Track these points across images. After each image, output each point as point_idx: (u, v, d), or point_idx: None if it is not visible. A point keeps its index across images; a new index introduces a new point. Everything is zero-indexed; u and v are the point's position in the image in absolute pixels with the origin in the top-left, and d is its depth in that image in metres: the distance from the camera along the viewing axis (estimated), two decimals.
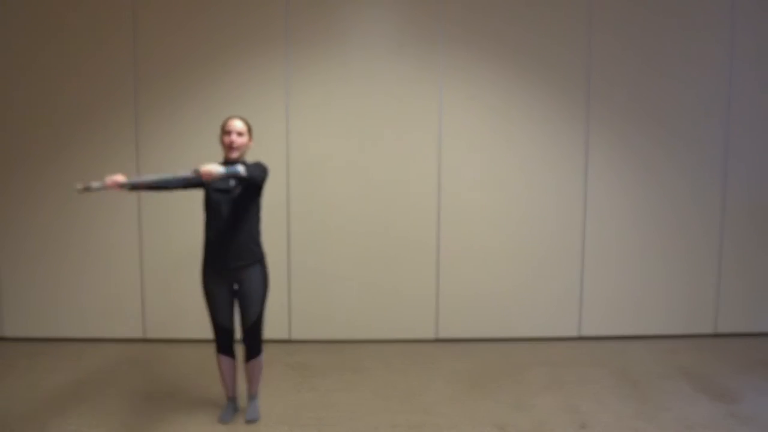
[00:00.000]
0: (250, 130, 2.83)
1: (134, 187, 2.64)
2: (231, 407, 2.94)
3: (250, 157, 4.04)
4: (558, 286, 4.09)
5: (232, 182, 2.72)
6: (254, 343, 2.86)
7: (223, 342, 2.87)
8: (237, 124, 2.76)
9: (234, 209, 2.71)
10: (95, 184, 2.52)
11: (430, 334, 4.06)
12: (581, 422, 2.87)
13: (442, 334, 4.08)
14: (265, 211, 3.93)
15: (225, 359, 2.89)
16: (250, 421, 2.87)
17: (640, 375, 3.47)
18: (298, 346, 3.98)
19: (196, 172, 2.42)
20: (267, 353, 3.81)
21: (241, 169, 2.46)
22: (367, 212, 4.01)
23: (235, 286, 2.80)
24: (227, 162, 2.76)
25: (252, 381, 2.93)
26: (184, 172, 2.58)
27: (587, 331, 4.13)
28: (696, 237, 4.10)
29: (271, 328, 4.03)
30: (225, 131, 2.76)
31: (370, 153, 3.96)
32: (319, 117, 3.93)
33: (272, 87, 3.90)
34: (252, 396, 2.96)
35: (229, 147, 2.74)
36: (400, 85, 3.92)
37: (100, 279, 3.98)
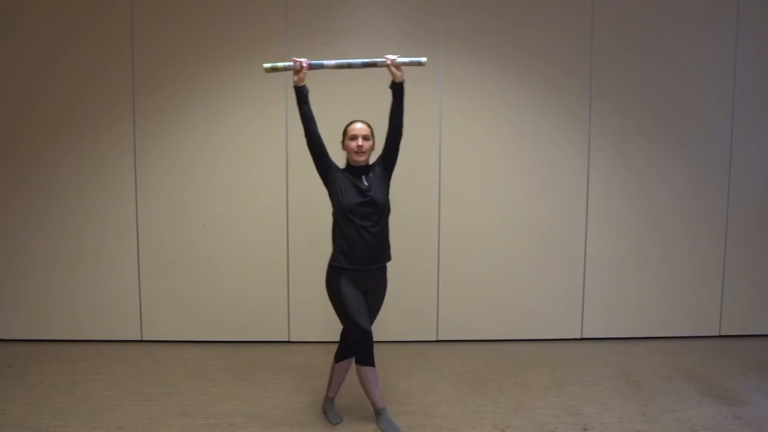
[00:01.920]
0: (373, 133, 2.76)
1: (319, 67, 2.64)
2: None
3: (252, 156, 4.03)
4: (560, 287, 4.06)
5: (366, 182, 2.69)
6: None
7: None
8: (363, 128, 2.71)
9: (376, 210, 2.73)
10: (282, 64, 2.57)
11: (431, 335, 4.03)
12: (583, 424, 2.84)
13: (443, 336, 4.05)
14: (265, 211, 3.95)
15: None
16: (336, 423, 2.83)
17: (642, 377, 3.44)
18: (297, 347, 3.96)
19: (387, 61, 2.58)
20: (265, 354, 3.81)
21: (423, 59, 2.62)
22: None
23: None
24: (351, 168, 2.72)
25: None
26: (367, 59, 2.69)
27: (589, 333, 4.10)
28: (700, 238, 4.07)
29: (270, 329, 4.03)
30: (350, 136, 2.70)
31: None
32: (318, 117, 3.90)
33: (271, 86, 3.88)
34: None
35: (357, 152, 2.67)
36: None
37: (98, 280, 3.96)
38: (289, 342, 4.03)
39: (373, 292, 2.77)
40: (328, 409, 2.92)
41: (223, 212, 3.94)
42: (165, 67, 3.86)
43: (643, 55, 3.94)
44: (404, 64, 2.62)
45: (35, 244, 3.94)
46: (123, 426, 2.80)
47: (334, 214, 2.75)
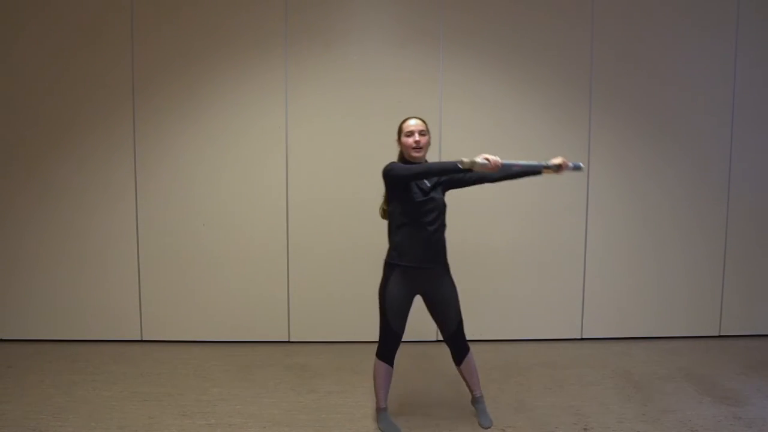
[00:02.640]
0: (428, 128, 2.76)
1: (506, 168, 2.57)
2: (388, 417, 2.82)
3: (252, 157, 4.04)
4: (560, 287, 4.06)
5: (428, 183, 2.68)
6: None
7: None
8: (419, 124, 2.70)
9: (439, 210, 2.73)
10: (479, 160, 2.42)
11: (431, 336, 4.03)
12: (583, 424, 2.84)
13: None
14: (265, 211, 3.95)
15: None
16: (487, 428, 2.80)
17: (642, 377, 3.44)
18: (297, 347, 3.95)
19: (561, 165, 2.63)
20: (265, 354, 3.81)
21: (581, 164, 2.71)
22: (368, 212, 3.98)
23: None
24: (407, 163, 2.70)
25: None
26: (539, 162, 2.66)
27: (589, 333, 4.10)
28: (700, 238, 4.07)
29: (270, 330, 4.03)
30: (407, 133, 2.69)
31: (370, 152, 3.94)
32: (318, 116, 3.91)
33: (271, 86, 3.88)
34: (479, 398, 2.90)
35: (415, 147, 2.67)
36: (401, 84, 3.89)
37: (98, 280, 3.96)
38: (289, 342, 4.03)
39: (434, 291, 2.75)
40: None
41: (223, 212, 3.94)
42: (165, 70, 3.86)
43: (643, 56, 3.95)
44: (568, 170, 2.70)
45: (35, 244, 3.94)
46: (123, 426, 2.80)
47: (390, 212, 2.72)
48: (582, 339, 4.10)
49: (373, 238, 3.96)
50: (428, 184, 2.69)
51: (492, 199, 3.97)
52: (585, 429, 2.80)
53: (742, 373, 3.50)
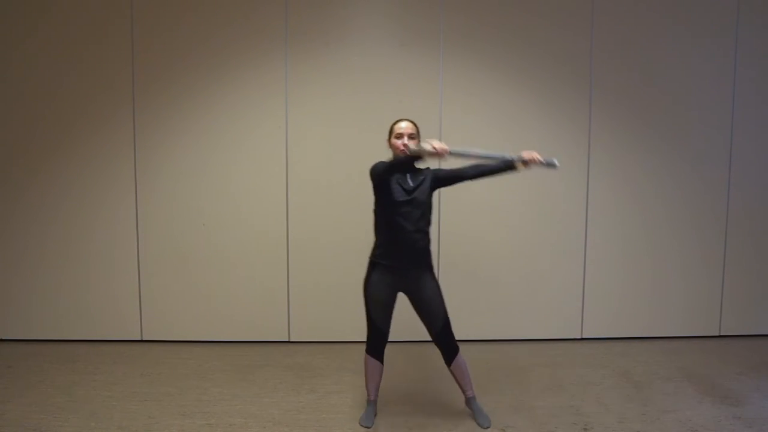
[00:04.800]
0: (419, 131, 2.78)
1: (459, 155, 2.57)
2: (371, 410, 2.88)
3: (252, 157, 4.04)
4: (560, 287, 4.06)
5: (411, 183, 2.70)
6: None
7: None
8: (409, 127, 2.72)
9: (420, 210, 2.74)
10: (426, 147, 2.45)
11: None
12: (583, 424, 2.84)
13: None
14: (265, 211, 3.94)
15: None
16: (487, 427, 2.80)
17: (642, 377, 3.44)
18: (297, 347, 3.95)
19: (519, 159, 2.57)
20: (265, 354, 3.81)
21: (555, 161, 2.62)
22: (368, 213, 3.98)
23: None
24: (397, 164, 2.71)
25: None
26: (500, 153, 2.65)
27: (589, 333, 4.10)
28: (700, 238, 4.07)
29: (270, 330, 4.02)
30: (396, 134, 2.73)
31: (370, 153, 3.93)
32: (318, 116, 3.91)
33: (272, 87, 3.88)
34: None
35: (403, 150, 2.68)
36: (401, 84, 3.90)
37: (98, 280, 3.96)
38: (289, 342, 4.03)
39: (417, 291, 2.77)
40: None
41: (223, 212, 3.94)
42: (165, 72, 3.85)
43: (642, 58, 3.95)
44: (539, 165, 2.63)
45: (36, 245, 3.94)
46: (123, 426, 2.80)
47: (375, 211, 2.77)
48: (582, 339, 4.10)
49: (373, 239, 3.97)
50: (411, 184, 2.69)
51: (492, 199, 3.97)
52: (585, 429, 2.80)
53: (742, 373, 3.50)
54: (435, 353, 3.82)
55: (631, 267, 4.07)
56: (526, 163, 2.63)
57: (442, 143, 2.44)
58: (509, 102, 3.95)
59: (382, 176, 2.63)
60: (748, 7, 3.94)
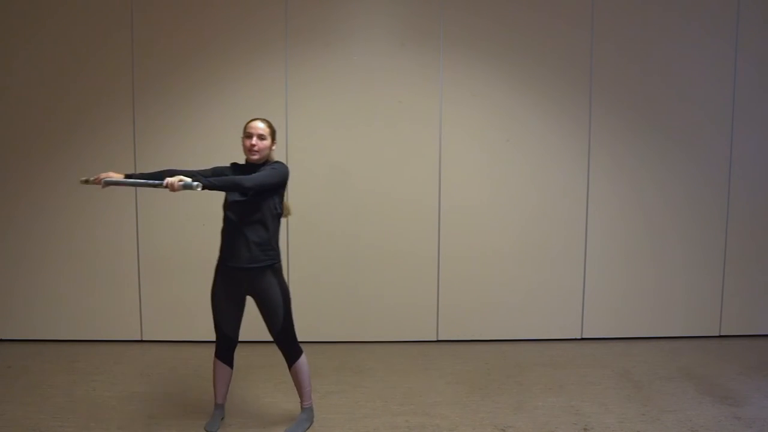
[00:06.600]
0: (273, 132, 2.71)
1: (116, 184, 2.56)
2: (218, 414, 2.85)
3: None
4: (560, 287, 4.06)
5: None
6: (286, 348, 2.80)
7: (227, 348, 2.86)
8: (259, 126, 2.65)
9: (240, 211, 2.68)
10: (92, 178, 2.54)
11: (431, 335, 4.03)
12: (583, 424, 2.84)
13: (443, 336, 4.05)
14: None
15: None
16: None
17: (642, 377, 3.44)
18: None
19: (167, 182, 2.40)
20: (265, 355, 3.80)
21: (195, 183, 2.39)
22: (367, 211, 3.98)
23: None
24: (245, 165, 2.70)
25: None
26: (157, 180, 2.51)
27: (589, 333, 4.10)
28: (700, 238, 4.07)
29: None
30: (246, 134, 2.66)
31: (370, 152, 3.94)
32: (318, 116, 3.91)
33: (272, 87, 3.87)
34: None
35: (249, 150, 2.64)
36: (401, 84, 3.89)
37: (98, 281, 3.95)
38: None
39: (256, 294, 2.77)
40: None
41: (222, 212, 3.93)
42: (165, 73, 3.85)
43: (643, 56, 3.94)
44: (183, 188, 2.44)
45: (36, 245, 3.93)
46: (123, 426, 2.80)
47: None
48: (582, 339, 4.10)
49: (373, 238, 3.98)
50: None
51: (492, 200, 3.97)
52: (585, 429, 2.80)
53: (742, 373, 3.50)
54: (435, 353, 3.83)
55: (632, 267, 4.06)
56: (169, 187, 2.42)
57: (105, 174, 2.51)
58: (510, 100, 3.95)
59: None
60: (748, 6, 3.94)
